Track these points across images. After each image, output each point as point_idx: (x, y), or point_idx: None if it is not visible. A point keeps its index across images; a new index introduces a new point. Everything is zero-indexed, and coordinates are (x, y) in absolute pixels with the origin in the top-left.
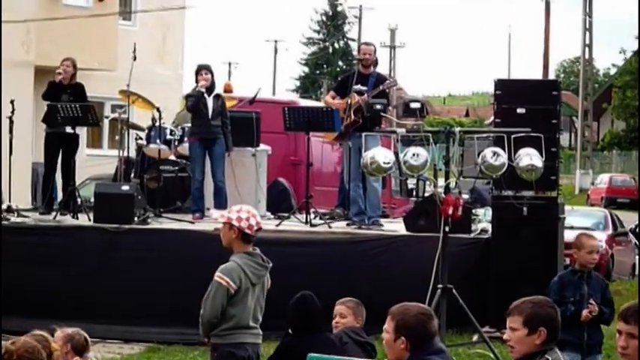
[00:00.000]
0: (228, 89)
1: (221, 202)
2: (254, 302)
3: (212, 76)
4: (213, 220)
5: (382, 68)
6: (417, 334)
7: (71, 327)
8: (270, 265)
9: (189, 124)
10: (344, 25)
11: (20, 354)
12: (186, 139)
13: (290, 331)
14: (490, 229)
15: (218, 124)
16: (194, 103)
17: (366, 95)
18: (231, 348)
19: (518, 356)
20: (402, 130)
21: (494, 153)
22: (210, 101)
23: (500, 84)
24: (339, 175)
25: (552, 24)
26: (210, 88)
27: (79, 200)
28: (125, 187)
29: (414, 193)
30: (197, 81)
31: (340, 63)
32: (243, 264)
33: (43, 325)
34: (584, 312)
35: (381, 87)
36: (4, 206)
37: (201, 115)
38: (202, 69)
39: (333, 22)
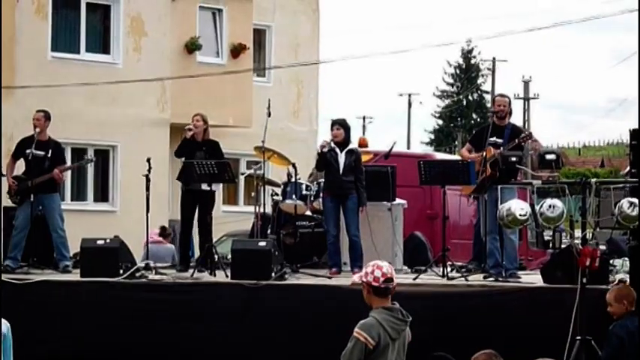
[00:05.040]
0: (363, 144)
1: (357, 257)
2: (394, 357)
3: (345, 131)
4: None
5: (516, 120)
6: None
7: None
8: (410, 319)
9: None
10: (477, 78)
11: None
12: (322, 194)
13: None
14: (628, 280)
15: (350, 179)
16: (319, 162)
17: (502, 148)
18: None
19: None
20: (537, 182)
21: (631, 203)
22: (342, 157)
23: (636, 134)
24: (474, 228)
25: None
26: (344, 143)
27: (216, 257)
28: (262, 243)
29: (551, 244)
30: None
31: (474, 115)
32: (382, 319)
33: None
34: None
35: (517, 140)
36: (142, 264)
37: (332, 171)
38: (333, 124)
39: (467, 75)
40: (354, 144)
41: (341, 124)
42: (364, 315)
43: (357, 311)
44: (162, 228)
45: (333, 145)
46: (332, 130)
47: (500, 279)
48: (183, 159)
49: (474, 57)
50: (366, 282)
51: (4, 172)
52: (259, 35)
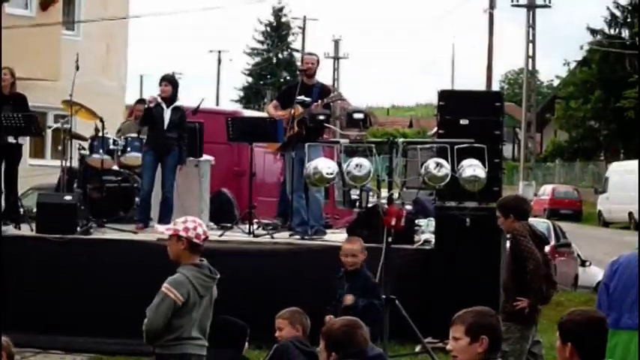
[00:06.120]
0: None
1: (167, 214)
2: (201, 314)
3: (173, 87)
4: (158, 234)
5: (326, 79)
6: (344, 346)
7: (9, 337)
8: (218, 276)
9: (133, 135)
10: (288, 36)
11: None
12: (129, 149)
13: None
14: (433, 240)
15: (174, 135)
16: (144, 116)
17: (312, 106)
18: (175, 359)
19: None
20: (345, 141)
21: (437, 164)
22: (167, 113)
23: (443, 95)
24: (280, 186)
25: (496, 35)
26: (171, 100)
27: (21, 210)
28: (68, 197)
29: (357, 203)
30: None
31: (284, 73)
32: (192, 276)
33: None
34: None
35: (326, 100)
36: None
37: (156, 126)
38: (162, 80)
39: (277, 33)
40: (181, 101)
41: (169, 81)
42: (171, 270)
43: (163, 266)
44: None
45: (159, 100)
46: (160, 85)
47: (306, 237)
48: None
49: (285, 15)
50: (186, 237)
51: None
52: None
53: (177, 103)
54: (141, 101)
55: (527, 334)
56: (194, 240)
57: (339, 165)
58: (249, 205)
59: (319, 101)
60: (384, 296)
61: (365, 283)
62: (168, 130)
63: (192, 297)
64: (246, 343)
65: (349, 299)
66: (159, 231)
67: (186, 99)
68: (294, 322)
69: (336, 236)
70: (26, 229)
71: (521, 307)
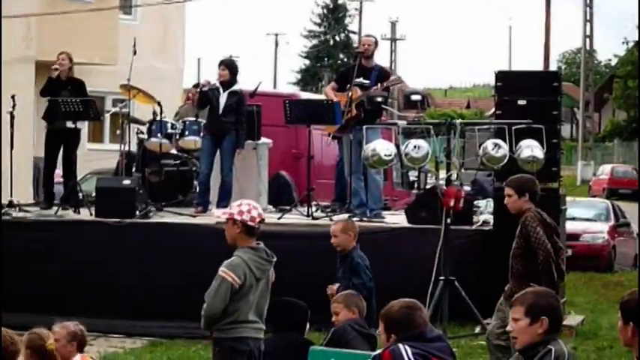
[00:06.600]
0: None
1: (225, 197)
2: (257, 297)
3: (230, 71)
4: (215, 218)
5: (383, 61)
6: (404, 328)
7: (72, 322)
8: (275, 259)
9: (191, 118)
10: (345, 18)
11: None
12: (187, 132)
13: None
14: (492, 221)
15: (230, 120)
16: (199, 99)
17: (372, 89)
18: (232, 342)
19: (521, 346)
20: (403, 123)
21: (496, 145)
22: (223, 97)
23: (501, 75)
24: (335, 168)
25: (553, 15)
26: (229, 84)
27: (80, 195)
28: (126, 182)
29: (416, 185)
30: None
31: (341, 56)
32: (248, 259)
33: (45, 321)
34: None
35: (386, 84)
36: (5, 201)
37: (212, 110)
38: (220, 64)
39: (334, 15)
40: (239, 85)
41: (227, 65)
42: (229, 254)
43: (220, 250)
44: None
45: (218, 84)
46: (218, 69)
47: (365, 219)
48: (48, 97)
49: None
50: (241, 220)
51: None
52: None
53: (234, 87)
54: (198, 85)
55: None
56: (249, 223)
57: (397, 147)
58: (307, 187)
59: (379, 85)
60: (442, 277)
61: (350, 265)
62: (223, 115)
63: (249, 279)
64: (307, 324)
65: (333, 289)
66: (215, 215)
67: (243, 82)
68: (350, 304)
69: (395, 218)
70: (85, 214)
71: None
